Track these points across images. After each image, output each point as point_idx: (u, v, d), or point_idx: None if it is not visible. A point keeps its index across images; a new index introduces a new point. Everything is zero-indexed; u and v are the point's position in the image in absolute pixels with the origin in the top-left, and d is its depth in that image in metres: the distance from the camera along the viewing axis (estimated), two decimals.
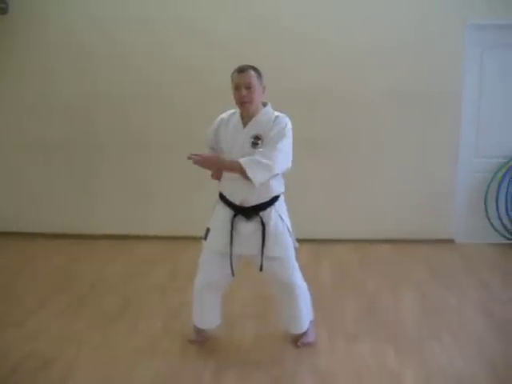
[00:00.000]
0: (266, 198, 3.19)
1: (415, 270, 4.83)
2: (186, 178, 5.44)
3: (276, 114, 3.18)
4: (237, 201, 3.18)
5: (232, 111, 3.28)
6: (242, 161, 2.98)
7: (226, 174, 3.18)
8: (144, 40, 5.43)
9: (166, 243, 5.57)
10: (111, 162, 5.70)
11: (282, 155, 3.07)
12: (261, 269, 3.22)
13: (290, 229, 3.30)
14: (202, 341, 3.52)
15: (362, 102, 5.37)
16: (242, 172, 2.99)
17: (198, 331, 3.53)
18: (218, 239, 3.24)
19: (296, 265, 3.34)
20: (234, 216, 3.19)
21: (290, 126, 3.14)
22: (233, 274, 3.27)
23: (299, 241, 5.32)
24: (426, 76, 5.29)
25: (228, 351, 3.45)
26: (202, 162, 3.05)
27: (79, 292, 4.40)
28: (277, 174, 3.14)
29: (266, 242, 3.17)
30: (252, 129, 3.12)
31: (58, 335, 3.66)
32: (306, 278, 4.52)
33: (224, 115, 3.29)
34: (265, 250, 3.18)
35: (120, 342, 3.56)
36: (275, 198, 3.24)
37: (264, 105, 3.20)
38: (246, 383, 3.06)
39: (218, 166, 3.14)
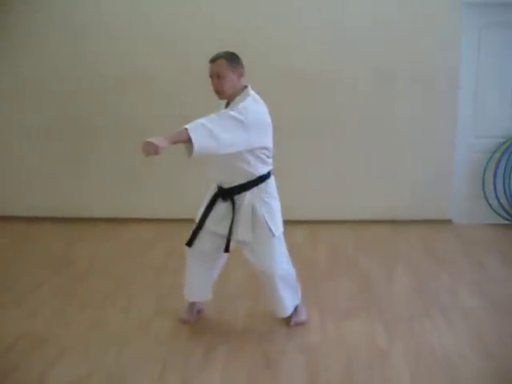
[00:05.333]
0: (241, 181, 3.16)
1: (411, 251, 4.83)
2: (179, 160, 5.42)
3: (251, 95, 3.10)
4: (216, 181, 3.26)
5: None
6: (188, 124, 2.81)
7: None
8: (138, 24, 5.38)
9: (159, 226, 5.58)
10: (104, 145, 5.69)
11: (230, 126, 2.88)
12: (225, 250, 3.28)
13: (275, 214, 3.28)
14: (193, 320, 3.55)
15: (358, 83, 5.33)
16: (186, 137, 2.78)
17: (190, 309, 3.56)
18: (199, 214, 3.32)
19: (277, 252, 3.28)
20: (217, 195, 3.25)
21: (248, 105, 3.00)
22: (190, 244, 3.32)
23: (296, 222, 5.41)
24: (422, 55, 5.23)
25: (219, 330, 3.49)
26: (146, 149, 2.71)
27: (74, 274, 4.44)
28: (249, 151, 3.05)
29: (234, 225, 3.19)
30: None
31: (52, 315, 3.71)
32: (302, 259, 4.59)
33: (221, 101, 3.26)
34: (233, 233, 3.21)
35: (113, 321, 3.61)
36: (255, 182, 3.18)
37: (243, 88, 3.14)
38: (236, 360, 3.10)
39: (165, 144, 2.74)
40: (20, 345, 3.32)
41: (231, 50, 3.20)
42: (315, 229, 5.40)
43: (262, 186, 3.20)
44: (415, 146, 5.44)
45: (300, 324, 3.47)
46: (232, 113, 2.92)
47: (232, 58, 3.10)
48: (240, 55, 5.23)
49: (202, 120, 2.85)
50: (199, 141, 2.77)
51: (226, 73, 3.04)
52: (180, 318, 3.57)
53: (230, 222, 3.20)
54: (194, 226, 3.33)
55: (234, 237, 3.22)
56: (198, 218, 3.33)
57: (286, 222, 5.38)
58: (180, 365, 3.08)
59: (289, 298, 3.39)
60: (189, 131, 2.77)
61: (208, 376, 2.97)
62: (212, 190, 3.32)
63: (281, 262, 3.29)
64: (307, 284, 4.09)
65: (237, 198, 3.18)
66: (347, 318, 3.57)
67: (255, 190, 3.18)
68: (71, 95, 5.62)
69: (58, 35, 5.50)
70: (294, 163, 5.52)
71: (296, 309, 3.48)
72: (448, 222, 5.57)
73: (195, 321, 3.56)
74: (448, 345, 3.20)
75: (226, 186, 3.21)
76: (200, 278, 3.48)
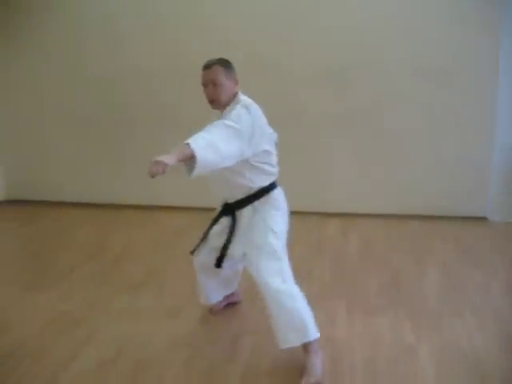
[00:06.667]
0: (242, 195, 3.01)
1: (443, 247, 4.75)
2: None
3: (242, 101, 2.89)
4: (218, 195, 3.21)
5: None
6: (190, 139, 2.60)
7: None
8: (175, 12, 5.46)
9: (194, 214, 5.64)
10: (141, 133, 5.81)
11: (228, 137, 2.67)
12: (217, 265, 3.14)
13: (280, 230, 3.00)
14: (222, 308, 3.60)
15: (393, 76, 5.27)
16: (190, 151, 2.54)
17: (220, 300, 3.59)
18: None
19: (276, 269, 2.90)
20: (222, 210, 3.20)
21: (241, 112, 2.79)
22: (192, 252, 3.30)
23: (329, 215, 5.41)
24: (461, 50, 5.13)
25: (248, 320, 3.52)
26: (155, 168, 2.43)
27: (108, 259, 4.55)
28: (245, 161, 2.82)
29: (232, 240, 3.08)
30: None
31: (85, 299, 3.82)
32: (332, 251, 4.60)
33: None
34: (230, 248, 3.09)
35: (144, 307, 3.69)
36: (255, 196, 3.00)
37: (235, 95, 2.94)
38: (261, 350, 3.13)
39: (173, 161, 2.49)
40: (52, 326, 3.44)
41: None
42: (346, 222, 5.38)
43: (263, 199, 3.01)
44: (452, 141, 5.34)
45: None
46: (227, 122, 2.71)
47: (227, 65, 2.92)
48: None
49: (200, 133, 2.66)
50: (202, 155, 2.54)
51: (222, 80, 2.86)
52: (210, 308, 3.60)
53: (226, 236, 3.10)
54: (199, 244, 3.31)
55: (229, 252, 3.11)
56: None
57: (319, 214, 5.44)
58: (207, 352, 3.13)
59: (288, 326, 2.87)
60: (191, 146, 2.54)
61: (234, 364, 3.00)
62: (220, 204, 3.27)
63: (280, 277, 2.90)
64: (336, 277, 4.10)
65: (239, 212, 3.06)
66: (375, 313, 3.55)
67: (256, 203, 3.01)
68: (110, 84, 5.75)
69: (99, 25, 5.64)
70: (329, 156, 5.51)
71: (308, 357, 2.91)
72: (483, 219, 5.46)
73: (224, 309, 3.60)
74: (477, 345, 3.15)
75: (228, 201, 3.12)
76: (207, 286, 3.44)
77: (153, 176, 2.43)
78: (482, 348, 3.12)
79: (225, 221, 3.16)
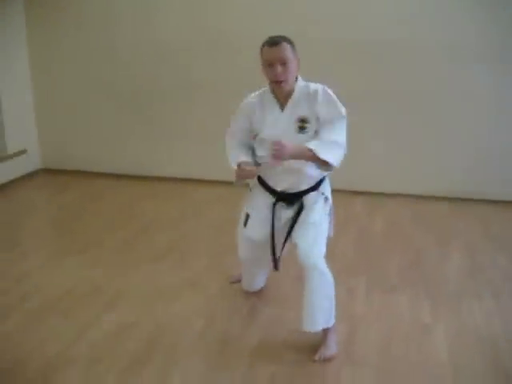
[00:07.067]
0: (311, 183, 2.92)
1: (470, 230, 4.69)
2: None
3: (311, 85, 2.78)
4: (280, 188, 2.94)
5: (258, 92, 2.92)
6: (311, 145, 2.63)
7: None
8: None
9: (221, 187, 5.66)
10: (175, 107, 5.86)
11: (344, 128, 2.78)
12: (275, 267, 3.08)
13: (332, 207, 3.02)
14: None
15: (426, 56, 5.13)
16: (313, 157, 2.63)
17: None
18: (257, 229, 3.04)
19: (323, 252, 2.88)
20: (275, 203, 2.98)
21: (332, 94, 2.78)
22: (276, 267, 3.08)
23: (355, 193, 5.39)
24: (497, 31, 4.97)
25: (265, 293, 3.56)
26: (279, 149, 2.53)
27: (136, 229, 4.67)
28: None
29: (296, 226, 2.90)
30: (293, 111, 2.76)
31: (110, 266, 3.95)
32: (357, 229, 4.63)
33: (253, 99, 2.91)
34: (292, 233, 2.91)
35: (166, 276, 3.79)
36: (320, 181, 2.97)
37: (297, 78, 2.80)
38: (277, 323, 3.20)
39: (291, 149, 2.57)
40: (77, 290, 3.58)
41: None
42: (375, 201, 5.37)
43: (326, 182, 3.04)
44: (483, 122, 5.23)
45: (328, 360, 2.85)
46: (343, 112, 2.76)
47: (292, 43, 2.71)
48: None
49: (321, 140, 2.69)
50: (330, 157, 2.66)
51: (291, 59, 2.65)
52: (230, 280, 3.67)
53: (289, 225, 2.95)
54: (270, 252, 3.04)
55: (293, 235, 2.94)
56: (254, 235, 3.06)
57: (346, 192, 5.43)
58: (223, 323, 3.21)
59: (325, 309, 2.89)
60: (310, 147, 2.61)
61: (249, 335, 3.08)
62: (264, 199, 3.04)
63: (324, 261, 2.89)
64: (359, 254, 4.14)
65: (304, 198, 2.93)
66: (394, 291, 3.57)
67: (321, 187, 2.98)
68: (144, 57, 5.80)
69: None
70: (358, 135, 5.40)
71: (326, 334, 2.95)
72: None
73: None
74: (494, 329, 3.14)
75: (291, 191, 2.94)
76: (255, 276, 3.44)
77: (277, 158, 2.58)
78: (499, 332, 3.11)
79: (285, 213, 2.99)
